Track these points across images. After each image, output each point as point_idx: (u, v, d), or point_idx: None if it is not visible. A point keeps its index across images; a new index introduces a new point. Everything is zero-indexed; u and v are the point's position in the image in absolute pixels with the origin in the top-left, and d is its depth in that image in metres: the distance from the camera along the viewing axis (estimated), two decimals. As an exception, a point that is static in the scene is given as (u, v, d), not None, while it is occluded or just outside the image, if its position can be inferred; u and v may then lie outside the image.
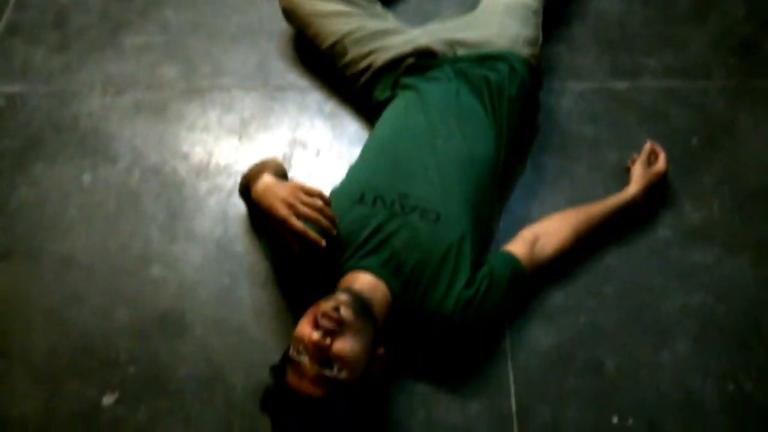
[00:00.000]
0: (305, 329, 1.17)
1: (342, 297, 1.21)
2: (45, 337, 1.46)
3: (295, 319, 1.43)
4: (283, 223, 1.25)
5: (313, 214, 1.24)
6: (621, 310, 1.47)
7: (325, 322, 1.15)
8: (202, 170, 1.67)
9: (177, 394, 1.40)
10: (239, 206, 1.59)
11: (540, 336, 1.45)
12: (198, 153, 1.70)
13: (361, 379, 1.19)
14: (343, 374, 1.15)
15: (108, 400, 1.39)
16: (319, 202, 1.26)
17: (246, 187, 1.45)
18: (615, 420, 1.36)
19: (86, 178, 1.66)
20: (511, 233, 1.49)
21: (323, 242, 1.23)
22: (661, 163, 1.55)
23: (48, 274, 1.53)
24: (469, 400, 1.38)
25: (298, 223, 1.24)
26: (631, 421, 1.36)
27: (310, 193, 1.27)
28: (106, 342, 1.45)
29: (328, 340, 1.14)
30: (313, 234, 1.24)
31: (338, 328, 1.15)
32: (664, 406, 1.37)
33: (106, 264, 1.54)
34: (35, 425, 1.36)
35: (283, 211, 1.25)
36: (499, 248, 1.46)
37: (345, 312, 1.18)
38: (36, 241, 1.57)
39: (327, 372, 1.14)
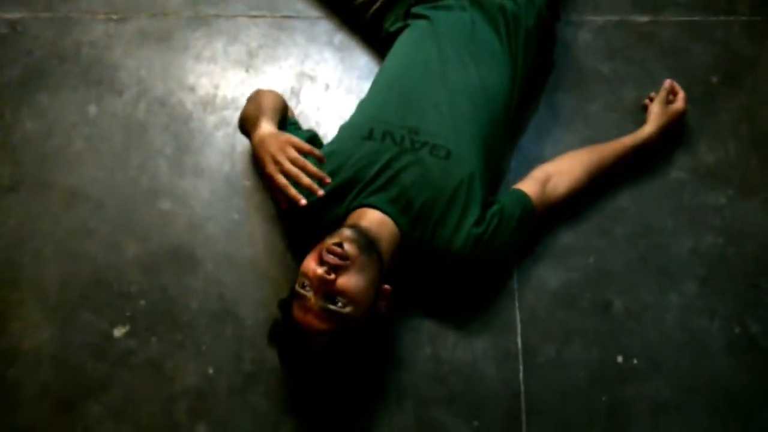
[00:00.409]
0: (310, 264, 1.18)
1: (346, 233, 1.21)
2: (56, 270, 1.47)
3: (305, 254, 1.45)
4: (269, 179, 1.24)
5: (296, 172, 1.21)
6: (630, 252, 1.47)
7: (329, 258, 1.16)
8: (209, 103, 1.64)
9: (188, 327, 1.42)
10: (247, 141, 1.57)
11: (548, 275, 1.45)
12: (204, 85, 1.66)
13: (367, 314, 1.20)
14: (348, 309, 1.16)
15: (119, 332, 1.41)
16: (304, 161, 1.22)
17: (245, 129, 1.44)
18: (620, 359, 1.38)
19: (92, 109, 1.63)
20: (523, 172, 1.47)
21: (303, 201, 1.20)
22: (680, 103, 1.51)
23: (56, 207, 1.53)
24: (476, 338, 1.40)
25: (281, 180, 1.22)
26: (635, 360, 1.38)
27: (300, 149, 1.24)
28: (116, 275, 1.46)
29: (332, 276, 1.15)
30: (293, 192, 1.21)
31: (342, 263, 1.16)
32: (668, 347, 1.39)
33: (114, 197, 1.54)
34: (48, 356, 1.39)
35: (269, 167, 1.23)
36: (509, 187, 1.45)
37: (349, 247, 1.18)
38: (43, 173, 1.56)
39: (331, 306, 1.16)
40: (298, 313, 1.18)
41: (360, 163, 1.33)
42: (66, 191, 1.54)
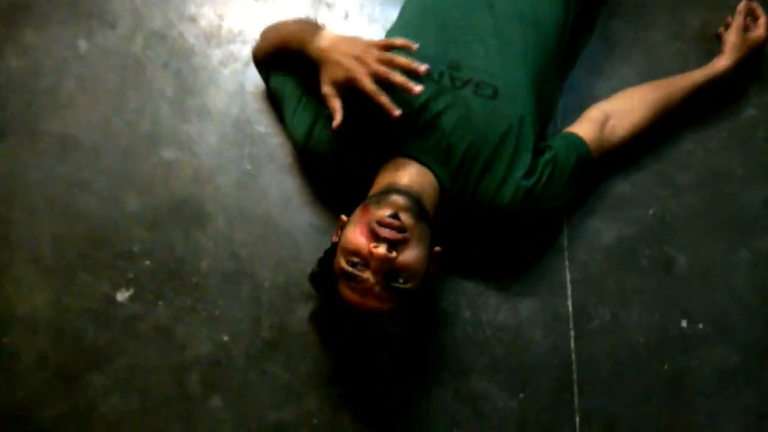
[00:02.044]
0: (360, 240, 1.02)
1: (399, 201, 1.04)
2: (50, 227, 1.31)
3: (326, 207, 1.30)
4: (351, 82, 1.06)
5: (385, 71, 1.05)
6: (696, 202, 1.30)
7: (386, 232, 1.01)
8: (213, 36, 1.45)
9: (199, 289, 1.27)
10: (258, 79, 1.39)
11: (602, 230, 1.29)
12: (207, 15, 1.46)
13: (423, 283, 1.07)
14: (410, 284, 1.03)
15: (123, 295, 1.27)
16: (392, 56, 1.06)
17: (269, 52, 1.24)
18: (683, 324, 1.23)
19: (82, 45, 1.44)
20: (573, 113, 1.30)
21: (396, 112, 1.05)
22: (761, 30, 1.30)
23: (48, 157, 1.36)
24: (521, 299, 1.25)
25: (369, 85, 1.05)
26: (701, 325, 1.23)
27: (390, 46, 1.08)
28: (117, 232, 1.31)
29: (393, 253, 1.01)
30: (385, 99, 1.05)
31: (402, 237, 1.01)
32: (737, 309, 1.24)
33: (111, 145, 1.37)
34: (45, 322, 1.25)
35: (356, 70, 1.06)
36: (558, 130, 1.27)
37: (405, 218, 1.03)
38: (31, 118, 1.39)
39: (394, 284, 1.02)
40: (352, 295, 1.04)
41: (396, 103, 1.15)
42: (57, 138, 1.37)
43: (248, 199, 1.33)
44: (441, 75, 1.15)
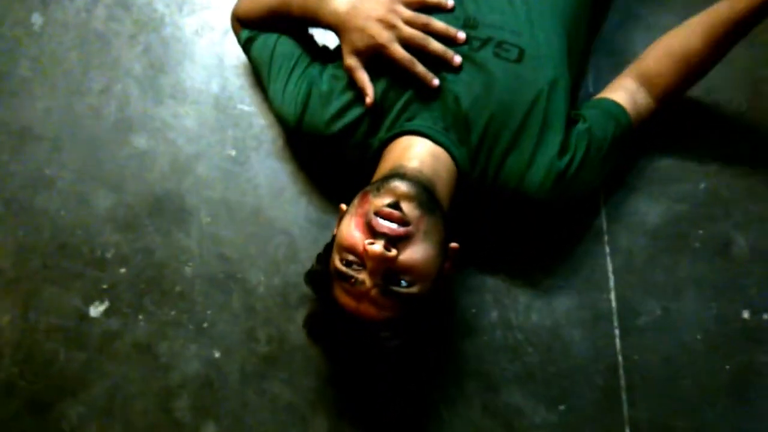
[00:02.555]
0: (355, 235, 0.85)
1: (402, 188, 0.86)
2: (10, 234, 1.14)
3: (325, 197, 1.12)
4: (379, 49, 0.93)
5: (421, 38, 0.93)
6: (754, 173, 1.11)
7: (385, 227, 0.83)
8: (186, 2, 1.25)
9: (183, 299, 1.10)
10: (239, 50, 1.19)
11: (646, 210, 1.11)
12: (179, -21, 1.27)
13: (434, 287, 0.89)
14: (415, 288, 0.86)
15: (97, 310, 1.10)
16: (427, 18, 0.93)
17: (258, 16, 1.06)
18: (746, 315, 1.06)
19: (36, 20, 1.25)
20: (606, 75, 1.11)
21: (435, 81, 0.92)
22: None
23: (1, 152, 1.18)
24: (555, 296, 1.08)
25: (403, 54, 0.92)
26: (766, 316, 1.05)
27: (422, 3, 0.95)
28: (86, 236, 1.14)
29: (393, 252, 0.83)
30: (421, 69, 0.93)
31: (404, 232, 0.83)
32: (810, 296, 1.06)
33: (75, 135, 1.19)
34: (9, 344, 1.09)
35: (383, 36, 0.92)
36: (590, 96, 1.08)
37: (409, 209, 0.84)
38: (-18, 108, 1.21)
39: (395, 288, 0.85)
40: (346, 299, 0.87)
41: (398, 72, 0.96)
42: (12, 131, 1.19)
43: (235, 191, 1.15)
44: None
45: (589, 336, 1.06)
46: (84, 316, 1.10)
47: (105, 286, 1.11)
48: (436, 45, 0.92)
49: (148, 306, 1.10)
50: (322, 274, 0.92)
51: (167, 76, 1.21)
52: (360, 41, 0.92)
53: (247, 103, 1.19)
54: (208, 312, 1.10)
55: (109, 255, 1.13)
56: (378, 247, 0.82)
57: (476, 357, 1.06)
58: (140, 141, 1.18)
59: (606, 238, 1.10)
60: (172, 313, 1.10)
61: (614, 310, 1.07)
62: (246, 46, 1.09)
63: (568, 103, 0.99)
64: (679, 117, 1.13)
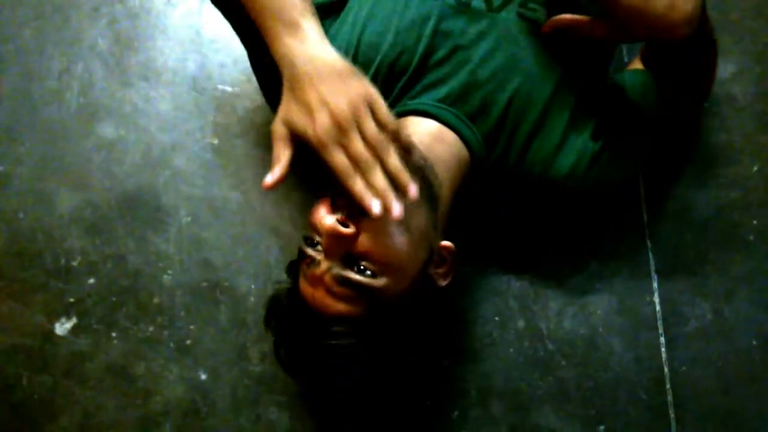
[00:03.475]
0: (319, 211, 0.72)
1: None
2: (-41, 240, 0.99)
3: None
4: (315, 147, 0.68)
5: (369, 165, 0.67)
6: (815, 151, 0.97)
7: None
8: (156, -33, 1.09)
9: (162, 312, 0.96)
10: (219, 21, 1.03)
11: (692, 198, 0.97)
12: (146, -60, 1.10)
13: (414, 289, 0.74)
14: (380, 281, 0.71)
15: (63, 327, 0.96)
16: (386, 145, 0.68)
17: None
18: (810, 315, 0.93)
19: (-18, -9, 1.09)
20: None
21: (375, 210, 0.65)
22: None
23: (-52, 146, 1.03)
24: (592, 300, 0.95)
25: (341, 162, 0.67)
26: (833, 316, 0.92)
27: (382, 120, 0.68)
28: (49, 242, 0.99)
29: (351, 228, 0.69)
30: (359, 188, 0.66)
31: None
32: None
33: (32, 124, 1.03)
34: (-35, 370, 0.95)
35: (326, 134, 0.67)
36: (623, 66, 0.94)
37: None
38: (-77, 95, 1.05)
39: (352, 275, 0.70)
40: (303, 285, 0.74)
41: (401, 39, 0.81)
42: (-41, 120, 1.04)
43: (218, 185, 1.00)
44: (470, -7, 0.81)
45: (631, 345, 0.93)
46: (49, 335, 0.95)
47: (72, 300, 0.96)
48: (380, 182, 0.66)
49: (121, 321, 0.96)
50: (294, 271, 0.78)
51: (136, 53, 1.05)
52: (299, 120, 0.68)
53: (230, 84, 1.03)
54: (192, 327, 0.95)
55: (75, 263, 0.98)
56: (330, 219, 0.67)
57: (502, 373, 0.92)
58: (107, 130, 1.02)
59: (647, 232, 0.96)
60: (150, 329, 0.95)
61: (659, 315, 0.93)
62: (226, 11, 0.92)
63: (601, 72, 0.84)
64: (726, 89, 0.99)
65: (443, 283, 0.78)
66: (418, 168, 0.73)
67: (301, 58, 0.68)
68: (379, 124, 0.68)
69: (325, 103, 0.66)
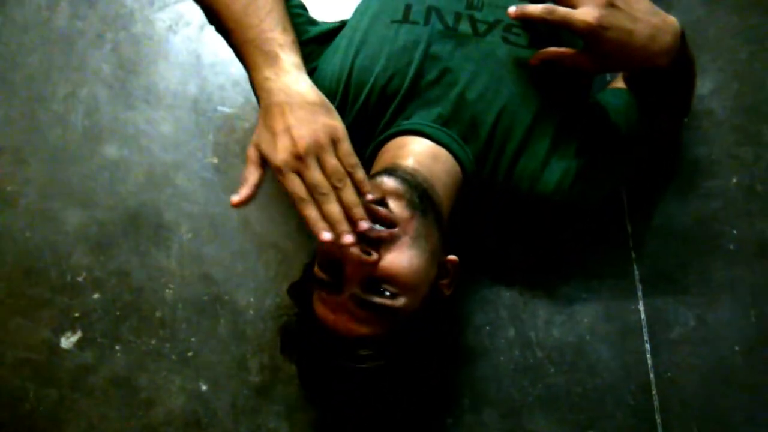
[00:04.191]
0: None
1: (389, 183, 0.75)
2: (-31, 258, 1.03)
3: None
4: (275, 172, 0.72)
5: (325, 195, 0.70)
6: (792, 163, 1.01)
7: (366, 227, 0.70)
8: (158, -5, 1.14)
9: (164, 326, 0.99)
10: (218, 46, 1.08)
11: (674, 209, 1.01)
12: (148, -31, 1.15)
13: (426, 303, 0.78)
14: (401, 301, 0.74)
15: (68, 341, 0.99)
16: (344, 177, 0.70)
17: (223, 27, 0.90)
18: (790, 322, 0.96)
19: (-9, 19, 1.14)
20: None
21: (326, 236, 0.69)
22: None
23: (-42, 168, 1.07)
24: (579, 308, 0.98)
25: (297, 188, 0.70)
26: (813, 322, 0.95)
27: (344, 158, 0.71)
28: (55, 259, 1.02)
29: (374, 255, 0.72)
30: (313, 215, 0.70)
31: (388, 234, 0.72)
32: None
33: (38, 146, 1.07)
34: (-27, 384, 0.98)
35: (283, 159, 0.70)
36: (606, 84, 0.98)
37: (396, 206, 0.74)
38: (-66, 119, 1.09)
39: (377, 299, 0.73)
40: (323, 311, 0.76)
41: (393, 63, 0.85)
42: (-32, 143, 1.08)
43: (218, 203, 1.04)
44: (457, 17, 0.85)
45: (618, 352, 0.96)
46: (55, 349, 0.99)
47: (77, 314, 1.00)
48: (336, 211, 0.69)
49: (125, 335, 0.99)
50: (305, 285, 0.81)
51: (139, 77, 1.10)
52: (266, 145, 0.72)
53: (229, 105, 1.08)
54: (193, 340, 0.99)
55: (80, 279, 1.01)
56: (356, 248, 0.70)
57: (493, 380, 0.95)
58: (111, 150, 1.07)
59: (631, 242, 1.00)
60: (153, 342, 0.99)
61: (644, 323, 0.97)
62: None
63: (583, 93, 0.88)
64: (705, 104, 1.03)
65: (447, 293, 0.82)
66: (424, 191, 0.77)
67: (276, 89, 0.72)
68: (340, 159, 0.71)
69: (288, 131, 0.70)
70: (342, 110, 0.83)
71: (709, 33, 1.07)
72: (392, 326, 0.75)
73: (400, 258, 0.73)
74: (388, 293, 0.73)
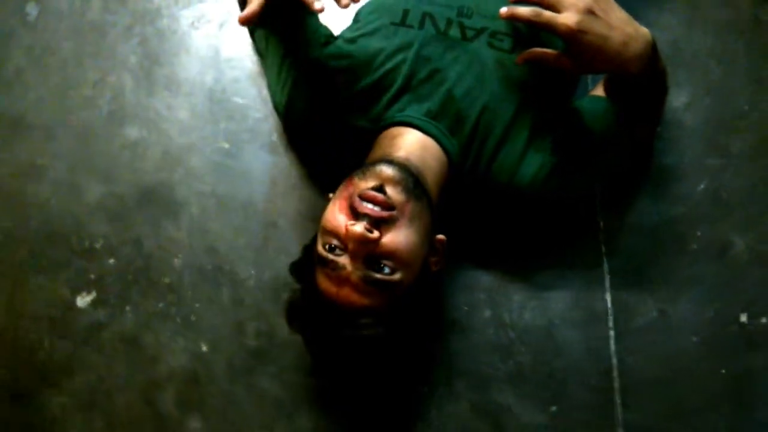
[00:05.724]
0: (338, 219, 0.84)
1: (387, 171, 0.85)
2: (-2, 222, 1.13)
3: (317, 191, 1.11)
4: None
5: None
6: (753, 173, 1.09)
7: (368, 209, 0.81)
8: (184, -6, 1.25)
9: (171, 291, 1.09)
10: (235, 43, 1.19)
11: (644, 209, 1.09)
12: (176, -29, 1.26)
13: (418, 278, 0.88)
14: (398, 275, 0.84)
15: (84, 300, 1.09)
16: None
17: None
18: (743, 318, 1.04)
19: (31, 9, 1.25)
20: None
21: (317, 5, 0.83)
22: None
23: (-6, 140, 1.18)
24: (550, 295, 1.06)
25: None
26: (764, 319, 1.03)
27: None
28: (76, 226, 1.12)
29: (375, 233, 0.81)
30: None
31: (387, 215, 0.82)
32: (809, 300, 1.04)
33: (67, 125, 1.18)
34: (-5, 333, 1.08)
35: None
36: (588, 92, 1.07)
37: (394, 192, 0.83)
38: (-25, 96, 1.20)
39: (377, 275, 0.83)
40: (327, 285, 0.85)
41: (390, 60, 0.96)
42: (5, 120, 1.18)
43: (226, 184, 1.14)
44: (449, 24, 0.95)
45: (583, 337, 1.04)
46: (71, 306, 1.08)
47: (93, 277, 1.10)
48: None
49: (135, 297, 1.09)
50: (306, 264, 0.91)
51: (162, 67, 1.20)
52: None
53: (242, 96, 1.18)
54: (197, 305, 1.08)
55: (97, 245, 1.11)
56: (359, 227, 0.80)
57: (467, 355, 1.04)
58: (133, 132, 1.17)
59: (602, 237, 1.08)
60: (160, 305, 1.08)
61: (609, 311, 1.05)
62: (251, 31, 1.12)
63: (563, 97, 0.97)
64: (678, 116, 1.11)
65: (435, 269, 0.92)
66: (416, 179, 0.87)
67: None
68: None
69: None
70: (352, 80, 0.95)
71: (686, 51, 1.16)
72: (389, 298, 0.85)
73: (399, 237, 0.83)
74: (387, 269, 0.83)
